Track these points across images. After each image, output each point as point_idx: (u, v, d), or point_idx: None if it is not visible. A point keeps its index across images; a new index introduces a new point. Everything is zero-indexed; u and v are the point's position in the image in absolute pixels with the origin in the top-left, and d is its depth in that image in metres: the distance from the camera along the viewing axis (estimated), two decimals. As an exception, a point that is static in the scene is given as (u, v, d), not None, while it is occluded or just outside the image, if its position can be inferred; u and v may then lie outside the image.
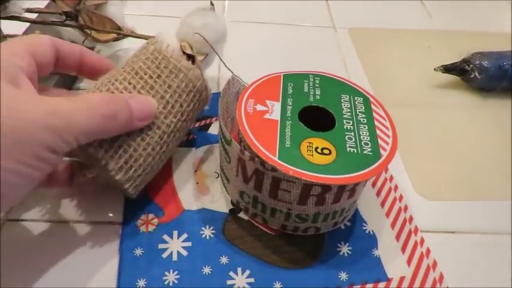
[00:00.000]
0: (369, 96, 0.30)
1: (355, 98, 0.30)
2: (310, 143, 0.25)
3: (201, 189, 0.31)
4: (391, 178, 0.34)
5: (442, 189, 0.34)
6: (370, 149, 0.26)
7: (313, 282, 0.26)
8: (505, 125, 0.40)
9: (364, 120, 0.28)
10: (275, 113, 0.27)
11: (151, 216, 0.28)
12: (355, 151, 0.25)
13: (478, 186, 0.34)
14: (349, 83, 0.31)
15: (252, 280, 0.26)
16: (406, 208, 0.32)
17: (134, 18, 0.39)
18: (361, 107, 0.29)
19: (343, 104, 0.29)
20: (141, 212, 0.29)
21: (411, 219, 0.31)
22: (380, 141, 0.26)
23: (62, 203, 0.29)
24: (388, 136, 0.27)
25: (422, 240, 0.30)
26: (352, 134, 0.27)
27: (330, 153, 0.25)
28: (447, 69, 0.42)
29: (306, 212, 0.26)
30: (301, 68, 0.31)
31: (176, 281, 0.25)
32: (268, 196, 0.26)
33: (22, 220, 0.28)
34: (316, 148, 0.25)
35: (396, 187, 0.33)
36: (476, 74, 0.41)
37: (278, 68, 0.32)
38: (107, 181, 0.27)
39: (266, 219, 0.28)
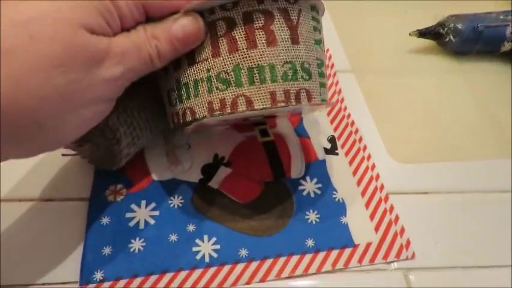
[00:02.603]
0: None
1: None
2: None
3: (171, 160, 0.31)
4: (365, 147, 0.33)
5: (416, 153, 0.34)
6: None
7: (279, 248, 0.27)
8: (479, 88, 0.39)
9: None
10: None
11: (119, 186, 0.29)
12: None
13: (450, 149, 0.35)
14: None
15: (218, 247, 0.26)
16: (377, 177, 0.32)
17: None
18: None
19: None
20: (110, 183, 0.29)
21: (382, 187, 0.31)
22: None
23: (30, 178, 0.29)
24: None
25: (391, 208, 0.30)
26: None
27: None
28: (422, 33, 0.41)
29: (224, 67, 0.22)
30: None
31: (142, 248, 0.26)
32: (188, 66, 0.23)
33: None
34: None
35: (369, 156, 0.33)
36: (451, 37, 0.40)
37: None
38: (94, 158, 0.28)
39: (193, 109, 0.23)
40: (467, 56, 0.42)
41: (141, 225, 0.27)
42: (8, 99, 0.17)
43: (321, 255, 0.27)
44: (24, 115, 0.18)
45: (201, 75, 0.23)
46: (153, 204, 0.28)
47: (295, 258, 0.26)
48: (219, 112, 0.23)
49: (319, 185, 0.30)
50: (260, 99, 0.23)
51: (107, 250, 0.25)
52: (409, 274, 0.27)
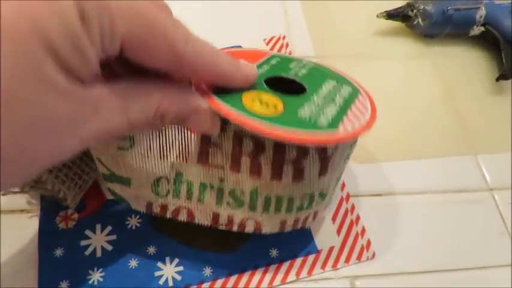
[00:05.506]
0: (359, 89, 0.26)
1: (343, 85, 0.25)
2: (259, 98, 0.20)
3: (125, 174, 0.29)
4: (326, 143, 0.33)
5: (373, 150, 0.34)
6: (324, 123, 0.20)
7: (243, 263, 0.27)
8: (446, 74, 0.39)
9: (338, 103, 0.22)
10: None
11: (70, 210, 0.27)
12: (306, 119, 0.20)
13: (410, 145, 0.34)
14: (345, 76, 0.27)
15: (180, 268, 0.26)
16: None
17: None
18: (345, 93, 0.24)
19: (324, 86, 0.23)
20: (60, 208, 0.27)
21: (343, 185, 0.31)
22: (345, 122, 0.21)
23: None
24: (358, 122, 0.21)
25: (352, 207, 0.30)
26: (314, 106, 0.21)
27: (276, 108, 0.20)
28: (390, 15, 0.39)
29: (240, 185, 0.22)
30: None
31: (101, 279, 0.25)
32: (197, 161, 0.21)
33: None
34: (261, 100, 0.20)
35: (331, 152, 0.32)
36: (420, 20, 0.39)
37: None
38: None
39: (193, 212, 0.23)
40: (436, 39, 0.40)
41: (98, 253, 0.26)
42: None
43: (285, 265, 0.27)
44: None
45: (211, 182, 0.21)
46: (109, 228, 0.27)
47: (259, 272, 0.26)
48: (224, 227, 0.22)
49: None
50: (269, 225, 0.22)
51: (63, 285, 0.24)
52: (356, 281, 0.27)
